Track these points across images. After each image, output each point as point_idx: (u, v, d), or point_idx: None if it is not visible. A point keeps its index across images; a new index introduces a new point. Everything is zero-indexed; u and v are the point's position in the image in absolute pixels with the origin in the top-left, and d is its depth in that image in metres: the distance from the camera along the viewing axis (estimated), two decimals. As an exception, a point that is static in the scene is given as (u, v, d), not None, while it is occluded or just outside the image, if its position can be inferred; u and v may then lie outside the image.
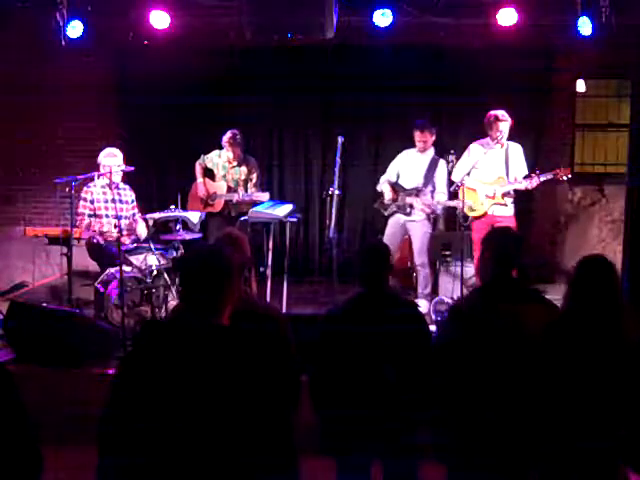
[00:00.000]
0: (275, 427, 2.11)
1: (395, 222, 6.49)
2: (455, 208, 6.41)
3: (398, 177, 6.61)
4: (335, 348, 3.23)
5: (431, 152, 6.52)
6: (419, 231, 6.44)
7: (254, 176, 6.66)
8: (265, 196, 6.28)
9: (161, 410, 2.08)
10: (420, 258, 6.43)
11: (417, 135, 6.43)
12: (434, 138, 6.50)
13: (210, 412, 2.06)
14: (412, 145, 6.64)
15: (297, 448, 2.15)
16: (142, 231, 6.04)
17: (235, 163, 6.63)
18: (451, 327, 3.19)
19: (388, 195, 6.50)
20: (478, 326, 3.01)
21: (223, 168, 6.65)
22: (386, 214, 6.56)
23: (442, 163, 6.44)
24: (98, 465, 2.17)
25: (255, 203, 6.19)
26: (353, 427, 3.21)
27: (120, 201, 6.02)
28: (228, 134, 6.53)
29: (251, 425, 2.07)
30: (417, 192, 6.39)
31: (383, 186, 6.61)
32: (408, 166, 6.54)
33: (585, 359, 2.77)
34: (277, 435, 2.11)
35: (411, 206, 6.39)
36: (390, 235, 6.44)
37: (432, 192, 6.45)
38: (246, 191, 6.53)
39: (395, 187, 6.53)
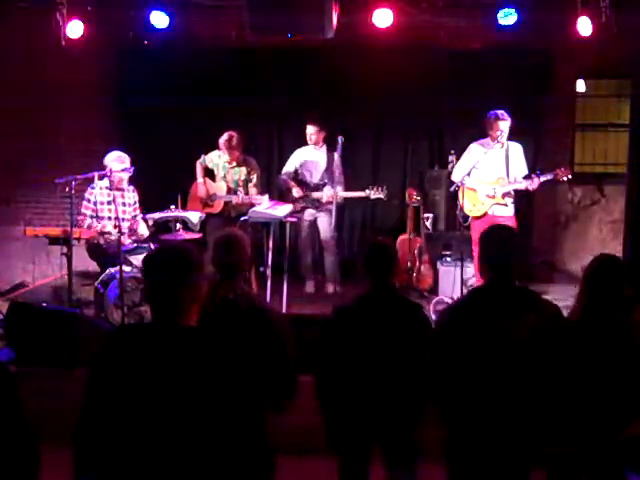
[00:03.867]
0: (246, 428, 2.09)
1: (307, 216, 6.90)
2: (455, 208, 6.43)
3: (296, 174, 6.93)
4: (341, 346, 3.25)
5: (324, 147, 6.86)
6: (327, 222, 6.81)
7: (254, 177, 6.64)
8: (264, 199, 6.26)
9: (132, 414, 2.07)
10: (329, 242, 6.88)
11: (309, 129, 6.75)
12: (324, 133, 6.84)
13: (177, 413, 2.05)
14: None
15: (270, 448, 2.14)
16: (144, 231, 6.03)
17: (235, 164, 6.62)
18: (443, 328, 3.14)
19: (297, 193, 6.82)
20: (468, 331, 2.95)
21: (223, 168, 6.64)
22: (297, 209, 6.80)
23: (336, 156, 6.77)
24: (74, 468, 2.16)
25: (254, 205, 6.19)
26: (358, 424, 3.24)
27: (123, 203, 6.02)
28: (224, 137, 6.48)
29: (221, 426, 2.05)
30: (323, 186, 6.79)
31: (290, 185, 6.90)
32: (309, 162, 6.87)
33: (595, 359, 2.76)
34: (248, 437, 2.09)
35: (319, 200, 6.79)
36: (308, 229, 6.92)
37: (331, 184, 6.76)
38: (247, 192, 6.51)
39: (301, 184, 6.88)
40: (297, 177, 6.96)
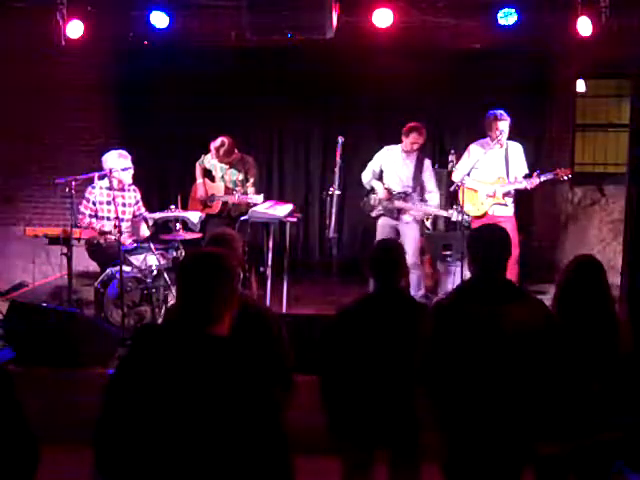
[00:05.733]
0: (267, 433, 2.08)
1: (385, 224, 6.33)
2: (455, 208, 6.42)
3: (381, 175, 6.42)
4: (344, 348, 3.25)
5: (415, 152, 6.37)
6: (410, 234, 6.27)
7: (252, 177, 6.62)
8: (259, 198, 6.23)
9: (154, 419, 2.05)
10: (411, 259, 5.96)
11: (414, 137, 6.24)
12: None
13: (202, 421, 2.03)
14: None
15: (290, 451, 2.13)
16: (145, 231, 6.04)
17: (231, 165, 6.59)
18: (431, 324, 3.13)
19: (382, 194, 6.28)
20: (454, 326, 2.93)
21: (221, 169, 6.62)
22: (373, 215, 6.38)
23: (427, 162, 6.38)
24: (94, 469, 2.16)
25: (250, 205, 6.16)
26: (362, 424, 3.25)
27: (123, 204, 6.02)
28: (216, 143, 6.34)
29: (244, 433, 2.04)
30: (405, 196, 6.26)
31: (375, 184, 6.35)
32: (394, 166, 6.34)
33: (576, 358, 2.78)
34: (270, 441, 2.08)
35: (399, 210, 6.25)
36: (390, 235, 6.23)
37: (421, 193, 6.33)
38: (245, 192, 6.50)
39: (387, 189, 6.33)
40: (381, 180, 6.38)
